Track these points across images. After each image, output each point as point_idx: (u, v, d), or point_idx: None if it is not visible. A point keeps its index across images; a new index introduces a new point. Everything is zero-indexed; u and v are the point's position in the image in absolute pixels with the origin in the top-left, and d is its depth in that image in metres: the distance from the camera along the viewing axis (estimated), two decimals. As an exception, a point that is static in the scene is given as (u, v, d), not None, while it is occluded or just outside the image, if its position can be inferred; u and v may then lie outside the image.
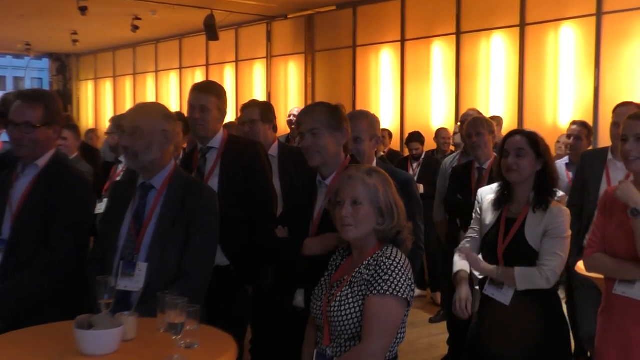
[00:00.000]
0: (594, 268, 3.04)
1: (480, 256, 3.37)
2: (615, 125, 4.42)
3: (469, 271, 3.31)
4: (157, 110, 3.05)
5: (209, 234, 2.96)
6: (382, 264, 2.38)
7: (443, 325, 5.90)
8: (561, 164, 5.48)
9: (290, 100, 12.50)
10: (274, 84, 13.10)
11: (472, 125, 4.87)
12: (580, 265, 3.46)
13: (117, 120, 5.78)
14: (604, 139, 4.96)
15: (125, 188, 3.09)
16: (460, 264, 3.29)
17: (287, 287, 3.06)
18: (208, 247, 2.96)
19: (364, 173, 2.47)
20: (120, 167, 5.21)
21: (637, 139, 2.88)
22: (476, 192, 3.54)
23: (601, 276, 3.10)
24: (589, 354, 4.73)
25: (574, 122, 5.84)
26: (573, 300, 4.51)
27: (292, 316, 3.03)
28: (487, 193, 3.30)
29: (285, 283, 3.09)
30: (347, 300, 2.40)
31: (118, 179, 5.02)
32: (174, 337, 2.31)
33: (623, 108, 4.47)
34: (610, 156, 4.45)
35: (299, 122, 3.08)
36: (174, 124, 3.05)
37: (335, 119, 2.99)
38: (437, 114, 10.28)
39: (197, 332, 2.36)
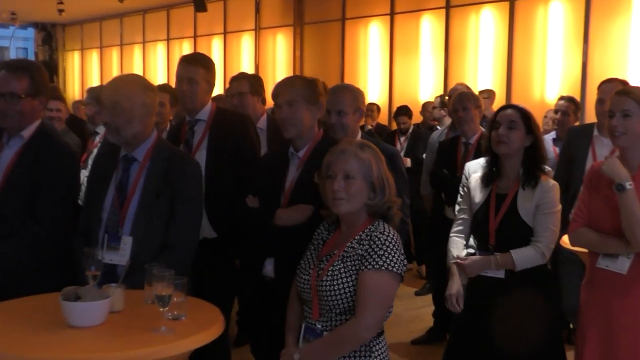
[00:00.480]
0: (579, 242, 3.08)
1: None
2: (600, 101, 4.44)
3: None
4: (135, 83, 3.01)
5: (193, 206, 2.96)
6: (377, 238, 2.37)
7: (428, 297, 5.95)
8: (548, 139, 5.49)
9: (279, 73, 12.42)
10: (262, 56, 13.01)
11: (459, 100, 4.87)
12: (565, 240, 3.49)
13: (94, 92, 5.65)
14: (591, 114, 4.98)
15: (108, 160, 3.07)
16: (454, 252, 3.26)
17: (257, 256, 3.10)
18: (193, 219, 2.96)
19: (357, 147, 2.45)
20: (97, 139, 5.14)
21: (624, 114, 2.89)
22: (462, 167, 3.54)
23: (585, 250, 3.13)
24: (571, 325, 4.79)
25: (561, 97, 5.86)
26: (557, 274, 4.55)
27: (262, 285, 3.08)
28: (475, 168, 3.30)
29: (255, 253, 3.14)
30: (339, 275, 2.38)
31: (95, 150, 4.97)
32: (161, 309, 2.32)
33: (608, 84, 4.48)
34: (595, 132, 4.47)
35: (276, 93, 3.11)
36: (154, 95, 3.02)
37: (312, 92, 3.04)
38: (425, 88, 10.26)
39: (184, 304, 2.38)
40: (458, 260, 3.17)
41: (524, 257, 3.03)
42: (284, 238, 2.95)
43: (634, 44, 8.03)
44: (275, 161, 3.19)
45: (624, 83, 4.45)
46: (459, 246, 3.26)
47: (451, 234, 3.33)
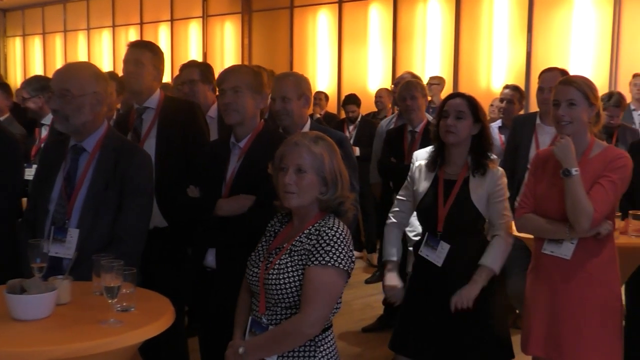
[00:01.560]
0: (525, 228, 3.14)
1: (415, 219, 3.42)
2: (540, 90, 4.52)
3: (397, 259, 3.36)
4: (87, 70, 2.94)
5: (142, 198, 2.91)
6: (325, 234, 2.34)
7: (378, 285, 5.99)
8: (494, 127, 5.59)
9: (227, 61, 12.33)
10: (210, 44, 12.89)
11: (406, 88, 4.89)
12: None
13: (39, 82, 5.36)
14: (536, 103, 5.11)
15: (56, 149, 3.00)
16: (390, 251, 3.34)
17: (199, 247, 3.10)
18: (142, 210, 2.91)
19: (311, 140, 2.41)
20: (45, 132, 5.00)
21: (569, 104, 2.95)
22: (409, 155, 3.57)
23: (531, 236, 3.20)
24: (517, 310, 4.90)
25: (506, 86, 5.96)
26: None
27: (203, 276, 3.09)
28: (423, 157, 3.33)
29: (197, 243, 3.14)
30: (285, 269, 2.35)
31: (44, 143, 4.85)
32: (109, 301, 2.28)
33: (548, 74, 4.57)
34: (538, 121, 4.56)
35: (221, 79, 3.13)
36: (106, 84, 2.96)
37: (258, 82, 3.10)
38: (373, 77, 10.32)
39: (133, 295, 2.34)
40: (453, 304, 3.08)
41: (495, 256, 3.10)
42: (225, 228, 2.95)
43: (576, 34, 8.23)
44: (217, 151, 3.19)
45: (563, 72, 4.54)
46: (395, 241, 3.35)
47: (388, 223, 3.39)
